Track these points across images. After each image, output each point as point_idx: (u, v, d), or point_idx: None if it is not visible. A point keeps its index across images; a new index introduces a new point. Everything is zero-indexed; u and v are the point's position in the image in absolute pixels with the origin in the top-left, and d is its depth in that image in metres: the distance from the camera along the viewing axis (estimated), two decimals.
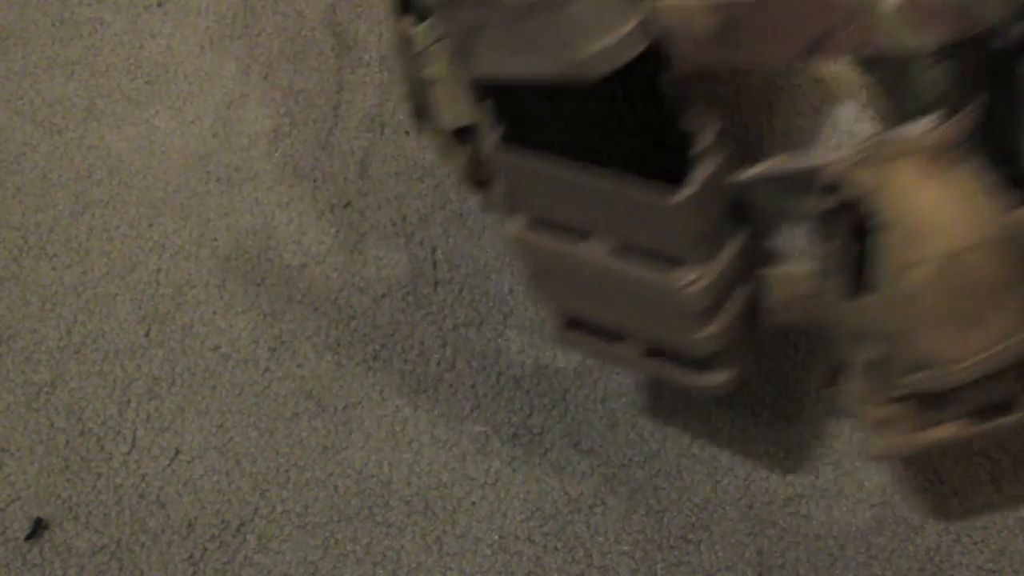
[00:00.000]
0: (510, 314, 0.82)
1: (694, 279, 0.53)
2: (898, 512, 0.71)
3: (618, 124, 0.49)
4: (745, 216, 0.57)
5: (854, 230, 0.51)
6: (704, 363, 0.60)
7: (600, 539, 0.71)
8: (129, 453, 0.77)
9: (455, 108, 0.62)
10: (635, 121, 0.50)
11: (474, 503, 0.73)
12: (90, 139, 0.98)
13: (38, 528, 0.74)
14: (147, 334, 0.84)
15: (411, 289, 0.84)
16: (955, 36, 0.48)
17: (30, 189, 0.94)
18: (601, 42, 0.45)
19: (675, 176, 0.51)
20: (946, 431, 0.55)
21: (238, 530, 0.73)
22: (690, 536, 0.71)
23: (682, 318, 0.56)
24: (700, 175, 0.51)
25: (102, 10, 1.09)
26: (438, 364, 0.80)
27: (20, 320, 0.85)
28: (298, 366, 0.81)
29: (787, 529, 0.71)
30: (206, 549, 0.73)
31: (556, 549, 0.71)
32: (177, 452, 0.77)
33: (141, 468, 0.77)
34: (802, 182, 0.52)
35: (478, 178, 0.68)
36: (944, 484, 0.72)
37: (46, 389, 0.81)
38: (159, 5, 1.09)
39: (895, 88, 0.68)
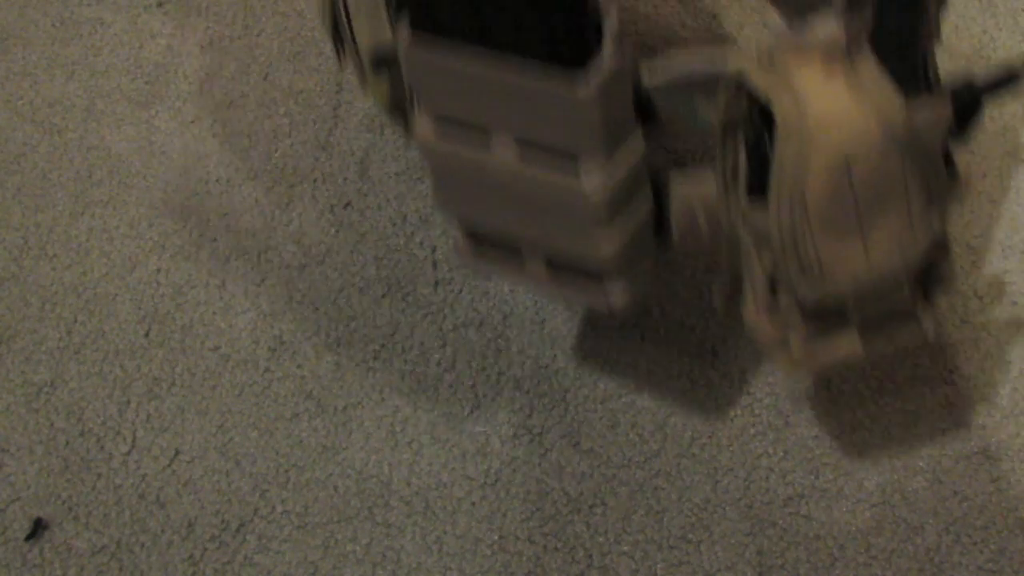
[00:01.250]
0: (510, 314, 0.82)
1: (595, 175, 0.52)
2: (898, 512, 0.71)
3: (526, 5, 0.48)
4: (647, 117, 0.55)
5: (755, 138, 0.50)
6: (605, 276, 0.59)
7: (600, 539, 0.71)
8: (129, 453, 0.77)
9: (373, 31, 0.61)
10: (545, 8, 0.48)
11: (474, 503, 0.73)
12: (90, 139, 0.98)
13: (38, 528, 0.74)
14: (147, 334, 0.84)
15: (411, 289, 0.84)
16: None
17: (30, 189, 0.94)
18: None
19: (580, 64, 0.49)
20: (843, 347, 0.54)
21: (238, 530, 0.73)
22: (690, 536, 0.71)
23: (584, 219, 0.54)
24: (607, 62, 0.49)
25: (102, 10, 1.09)
26: (438, 364, 0.80)
27: (20, 320, 0.85)
28: (298, 366, 0.81)
29: (787, 529, 0.71)
30: (206, 549, 0.73)
31: (556, 549, 0.71)
32: (177, 452, 0.77)
33: (141, 468, 0.77)
34: (707, 83, 0.52)
35: (400, 105, 0.66)
36: (944, 484, 0.72)
37: (46, 389, 0.81)
38: (159, 5, 1.09)
39: None
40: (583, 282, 0.60)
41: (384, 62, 0.63)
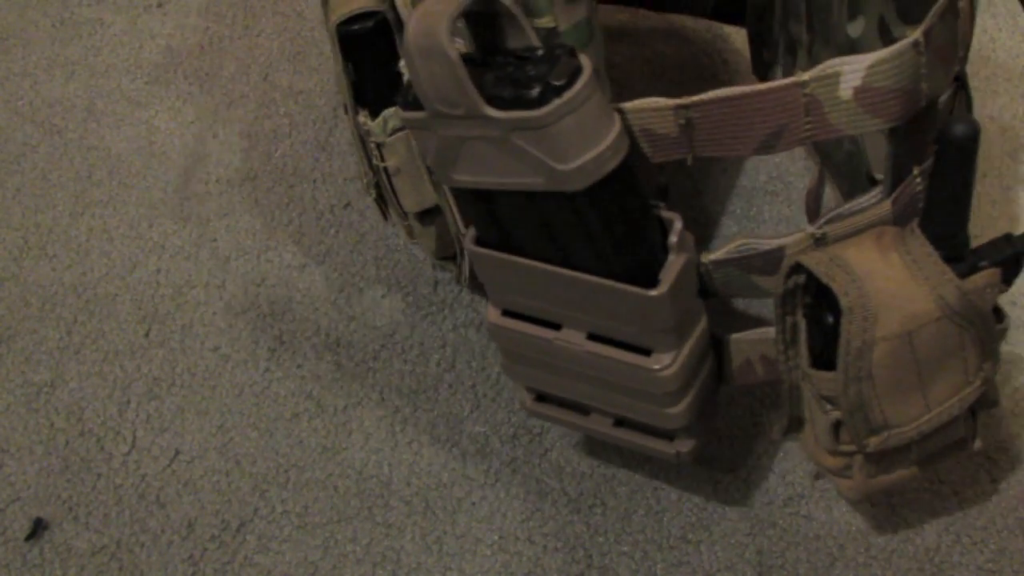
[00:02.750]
0: None
1: (668, 363, 0.55)
2: (898, 512, 0.71)
3: (595, 225, 0.50)
4: (707, 293, 0.58)
5: (812, 305, 0.53)
6: (671, 434, 0.62)
7: (600, 539, 0.71)
8: (129, 453, 0.77)
9: (417, 194, 0.65)
10: (612, 221, 0.50)
11: (474, 503, 0.73)
12: (90, 139, 0.98)
13: (38, 528, 0.74)
14: (147, 334, 0.84)
15: (411, 289, 0.84)
16: (906, 114, 0.50)
17: (30, 189, 0.94)
18: (586, 155, 0.46)
19: (647, 270, 0.52)
20: (901, 475, 0.59)
21: (238, 530, 0.73)
22: (690, 536, 0.71)
23: (654, 398, 0.58)
24: (675, 267, 0.52)
25: (102, 10, 1.09)
26: (438, 364, 0.80)
27: (20, 320, 0.85)
28: (298, 366, 0.81)
29: (787, 529, 0.71)
30: (206, 549, 0.73)
31: (556, 549, 0.71)
32: (177, 452, 0.77)
33: (141, 468, 0.77)
34: (768, 261, 0.55)
35: (446, 253, 0.70)
36: (944, 484, 0.72)
37: (46, 389, 0.81)
38: (159, 6, 1.09)
39: (845, 168, 0.70)
40: (651, 438, 0.63)
41: (429, 216, 0.67)
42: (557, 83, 0.43)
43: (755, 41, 0.87)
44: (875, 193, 0.54)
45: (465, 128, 0.47)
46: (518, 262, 0.54)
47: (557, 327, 0.58)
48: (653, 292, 0.51)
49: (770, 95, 0.48)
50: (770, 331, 0.57)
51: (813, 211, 0.63)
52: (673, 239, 0.52)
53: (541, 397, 0.66)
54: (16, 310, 0.86)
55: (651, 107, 0.50)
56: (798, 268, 0.52)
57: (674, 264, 0.52)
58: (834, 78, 0.48)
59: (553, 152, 0.45)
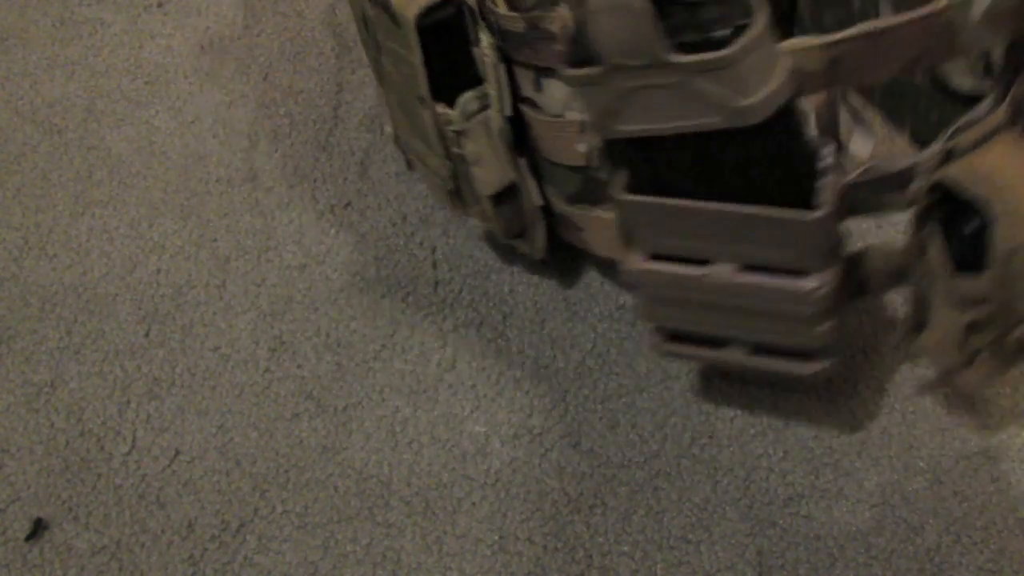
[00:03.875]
0: (510, 314, 0.82)
1: (821, 284, 0.57)
2: (898, 512, 0.71)
3: (758, 158, 0.52)
4: (846, 214, 0.60)
5: (951, 216, 0.56)
6: (809, 353, 0.63)
7: (600, 539, 0.71)
8: (129, 453, 0.77)
9: (493, 175, 0.68)
10: (774, 152, 0.53)
11: (474, 503, 0.73)
12: (90, 139, 0.98)
13: (38, 528, 0.74)
14: (147, 334, 0.84)
15: (411, 289, 0.84)
16: (1018, 30, 0.52)
17: (30, 189, 0.94)
18: (764, 90, 0.48)
19: (802, 195, 0.54)
20: (1013, 368, 0.64)
21: (238, 530, 0.73)
22: (690, 536, 0.71)
23: (803, 319, 0.59)
24: (829, 193, 0.54)
25: (102, 10, 1.09)
26: (438, 364, 0.80)
27: (20, 320, 0.85)
28: (298, 366, 0.81)
29: (787, 529, 0.71)
30: (206, 549, 0.73)
31: (556, 549, 0.71)
32: (177, 453, 0.77)
33: (141, 468, 0.77)
34: (898, 179, 0.57)
35: (516, 232, 0.74)
36: (944, 484, 0.72)
37: (46, 389, 0.81)
38: (159, 6, 1.09)
39: (923, 102, 0.72)
40: (785, 360, 0.64)
41: (501, 198, 0.70)
42: (741, 23, 0.45)
43: None
44: (987, 103, 0.56)
45: (642, 78, 0.48)
46: (680, 204, 0.55)
47: (701, 264, 0.59)
48: (815, 215, 0.53)
49: (911, 26, 0.50)
50: (897, 242, 0.60)
51: (829, 128, 0.64)
52: (828, 162, 0.54)
53: (673, 336, 0.66)
54: (16, 310, 0.86)
55: (802, 46, 0.51)
56: (937, 185, 0.54)
57: (829, 187, 0.53)
58: (968, 4, 0.50)
59: (737, 88, 0.47)
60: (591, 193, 0.69)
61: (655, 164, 0.55)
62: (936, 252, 0.57)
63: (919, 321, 0.63)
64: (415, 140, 0.73)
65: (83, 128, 0.99)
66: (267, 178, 0.93)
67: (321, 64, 1.01)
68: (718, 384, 0.76)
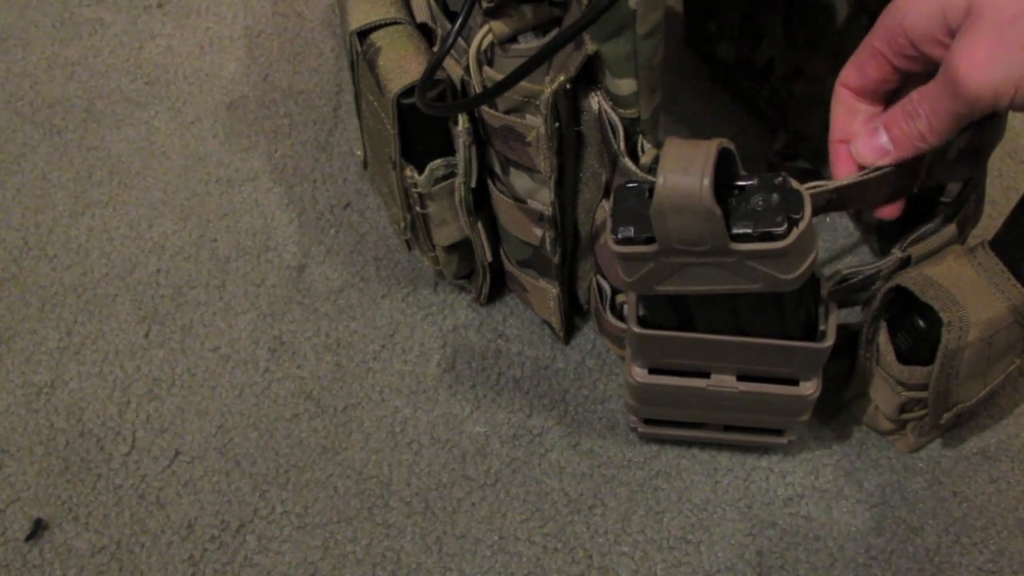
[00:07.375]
0: (510, 314, 0.82)
1: (815, 389, 0.62)
2: (898, 512, 0.71)
3: (789, 306, 0.56)
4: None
5: (902, 313, 0.64)
6: (786, 431, 0.69)
7: (600, 539, 0.71)
8: (129, 454, 0.77)
9: (451, 231, 0.73)
10: (801, 300, 0.56)
11: (474, 503, 0.73)
12: (90, 139, 0.98)
13: (38, 528, 0.74)
14: (147, 334, 0.84)
15: (411, 289, 0.84)
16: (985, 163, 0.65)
17: (30, 189, 0.94)
18: (805, 264, 0.51)
19: (809, 323, 0.59)
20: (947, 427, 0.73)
21: (238, 530, 0.73)
22: (690, 536, 0.71)
23: (792, 413, 0.65)
24: (834, 321, 0.59)
25: (102, 11, 1.09)
26: (438, 364, 0.80)
27: (20, 320, 0.85)
28: (298, 366, 0.81)
29: (787, 529, 0.71)
30: (206, 549, 0.73)
31: (556, 549, 0.71)
32: (177, 453, 0.77)
33: (141, 469, 0.77)
34: (865, 283, 0.65)
35: (464, 273, 0.79)
36: (943, 484, 0.72)
37: (46, 389, 0.81)
38: (159, 6, 1.09)
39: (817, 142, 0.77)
40: (763, 436, 0.70)
41: (456, 247, 0.75)
42: (795, 216, 0.49)
43: (694, 11, 0.88)
44: (939, 219, 0.65)
45: (697, 258, 0.51)
46: (700, 338, 0.59)
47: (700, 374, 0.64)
48: (824, 344, 0.58)
49: (894, 174, 0.57)
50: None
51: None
52: (825, 291, 0.59)
53: (652, 422, 0.71)
54: (16, 310, 0.86)
55: (816, 191, 0.56)
56: (894, 287, 0.63)
57: (834, 319, 0.59)
58: (945, 149, 0.59)
59: (784, 268, 0.51)
60: (539, 265, 0.73)
61: (681, 307, 0.58)
62: (883, 341, 0.65)
63: (861, 390, 0.70)
64: (381, 183, 0.76)
65: (83, 128, 0.99)
66: (267, 178, 0.93)
67: (321, 64, 1.01)
68: None
